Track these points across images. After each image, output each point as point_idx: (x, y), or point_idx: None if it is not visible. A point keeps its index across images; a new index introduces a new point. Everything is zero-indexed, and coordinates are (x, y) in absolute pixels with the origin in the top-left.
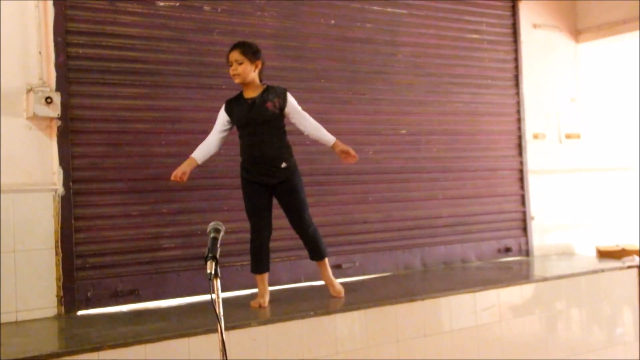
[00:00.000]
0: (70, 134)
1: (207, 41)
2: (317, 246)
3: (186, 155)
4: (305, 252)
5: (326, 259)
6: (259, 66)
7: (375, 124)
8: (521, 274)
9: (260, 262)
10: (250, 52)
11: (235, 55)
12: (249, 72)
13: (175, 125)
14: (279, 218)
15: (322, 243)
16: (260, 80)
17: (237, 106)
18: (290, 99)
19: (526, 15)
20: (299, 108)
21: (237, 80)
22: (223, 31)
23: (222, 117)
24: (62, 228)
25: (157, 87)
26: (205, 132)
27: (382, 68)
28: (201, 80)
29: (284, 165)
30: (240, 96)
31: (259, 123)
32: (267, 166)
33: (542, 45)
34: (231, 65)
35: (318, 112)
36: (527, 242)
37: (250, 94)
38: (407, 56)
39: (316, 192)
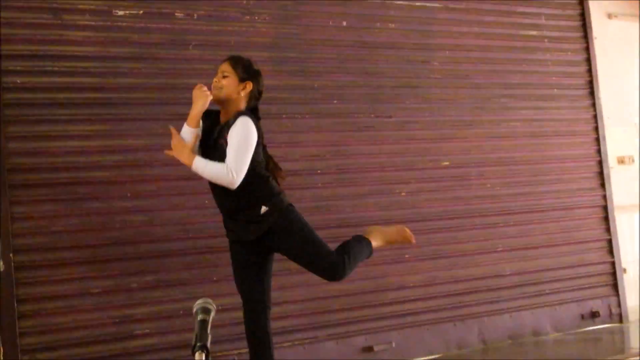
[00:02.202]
0: (8, 190)
1: (182, 58)
2: (358, 260)
3: (160, 210)
4: (324, 332)
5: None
6: (248, 89)
7: (408, 154)
8: (615, 348)
9: (255, 351)
10: (242, 67)
11: (224, 66)
12: (232, 90)
13: (144, 171)
14: (284, 275)
15: (362, 253)
16: (249, 110)
17: (208, 120)
18: (239, 123)
19: (598, 2)
20: (239, 140)
21: (212, 95)
22: (202, 43)
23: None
24: (1, 314)
25: (118, 122)
26: (186, 179)
27: (413, 80)
28: (176, 109)
29: (263, 209)
30: (218, 114)
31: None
32: (235, 218)
33: (620, 39)
34: (216, 76)
35: (331, 143)
36: (618, 304)
37: (223, 118)
38: (444, 63)
39: None
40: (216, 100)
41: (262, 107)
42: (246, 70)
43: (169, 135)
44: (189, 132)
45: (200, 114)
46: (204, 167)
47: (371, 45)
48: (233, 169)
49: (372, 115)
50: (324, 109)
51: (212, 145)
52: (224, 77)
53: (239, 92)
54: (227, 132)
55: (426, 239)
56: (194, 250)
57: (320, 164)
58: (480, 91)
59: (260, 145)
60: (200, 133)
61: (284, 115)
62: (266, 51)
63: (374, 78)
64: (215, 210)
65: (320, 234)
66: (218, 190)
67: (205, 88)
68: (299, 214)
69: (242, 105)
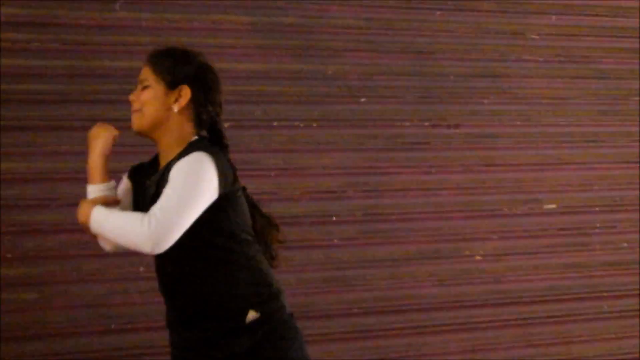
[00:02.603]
0: None
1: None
2: None
3: None
4: None
5: None
6: (185, 98)
7: (486, 191)
8: None
9: None
10: (169, 63)
11: (143, 71)
12: (159, 107)
13: None
14: None
15: None
16: (201, 130)
17: (140, 176)
18: (185, 159)
19: None
20: (180, 181)
21: (133, 125)
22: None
23: (122, 186)
24: None
25: None
26: None
27: (496, 66)
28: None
29: (250, 316)
30: (154, 160)
31: None
32: (192, 327)
33: None
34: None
35: (355, 169)
36: None
37: (164, 161)
38: (549, 37)
39: None
40: (141, 133)
41: (237, 111)
42: (176, 68)
43: None
44: (93, 192)
45: (102, 160)
46: (104, 219)
47: (421, 5)
48: (156, 220)
49: (426, 124)
50: (343, 112)
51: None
52: (144, 88)
53: (169, 108)
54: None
55: (521, 334)
56: None
57: (336, 206)
58: (611, 83)
59: (238, 194)
60: (120, 193)
61: (274, 123)
62: (243, 14)
63: (427, 60)
64: None
65: (340, 332)
66: (167, 276)
67: (106, 125)
68: (301, 339)
69: (188, 128)
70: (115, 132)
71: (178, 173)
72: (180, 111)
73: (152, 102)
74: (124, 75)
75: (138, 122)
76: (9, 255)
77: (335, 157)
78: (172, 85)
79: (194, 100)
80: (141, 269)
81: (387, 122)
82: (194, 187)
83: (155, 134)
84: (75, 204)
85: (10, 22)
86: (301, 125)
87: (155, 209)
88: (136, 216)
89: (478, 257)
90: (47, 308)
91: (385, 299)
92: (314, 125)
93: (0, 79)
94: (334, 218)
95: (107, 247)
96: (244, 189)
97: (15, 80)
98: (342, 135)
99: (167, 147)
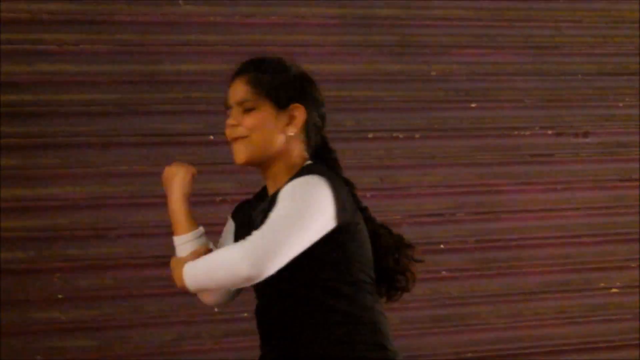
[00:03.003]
0: None
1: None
2: None
3: None
4: None
5: None
6: (300, 119)
7: (623, 208)
8: None
9: None
10: (276, 79)
11: (238, 88)
12: (270, 133)
13: None
14: None
15: None
16: (311, 155)
17: (242, 213)
18: (295, 182)
19: None
20: (286, 205)
21: (237, 157)
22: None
23: (226, 227)
24: None
25: None
26: None
27: (630, 62)
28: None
29: None
30: (261, 193)
31: None
32: None
33: None
34: (228, 114)
35: (470, 188)
36: None
37: (271, 185)
38: None
39: None
40: (248, 164)
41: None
42: (281, 83)
43: None
44: (183, 244)
45: (183, 204)
46: (196, 269)
47: None
48: (254, 241)
49: (550, 132)
50: (451, 120)
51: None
52: (246, 111)
53: (283, 132)
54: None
55: None
56: None
57: (444, 232)
58: None
59: (359, 226)
60: (223, 236)
61: (369, 134)
62: (330, 6)
63: (550, 57)
64: None
65: None
66: (265, 318)
67: (180, 163)
68: None
69: (300, 152)
70: (192, 170)
71: (286, 195)
72: (295, 137)
73: (262, 127)
74: (189, 82)
75: (246, 152)
76: (60, 296)
77: (442, 174)
78: (281, 104)
79: (307, 122)
80: (215, 309)
81: (502, 130)
82: (304, 210)
83: (264, 163)
84: (134, 234)
85: (55, 20)
86: (401, 136)
87: (256, 231)
88: (232, 245)
89: (615, 290)
90: (105, 357)
91: (504, 341)
92: (416, 136)
93: (41, 88)
94: (442, 246)
95: (210, 299)
96: (365, 209)
97: (62, 90)
98: (450, 148)
99: (277, 175)
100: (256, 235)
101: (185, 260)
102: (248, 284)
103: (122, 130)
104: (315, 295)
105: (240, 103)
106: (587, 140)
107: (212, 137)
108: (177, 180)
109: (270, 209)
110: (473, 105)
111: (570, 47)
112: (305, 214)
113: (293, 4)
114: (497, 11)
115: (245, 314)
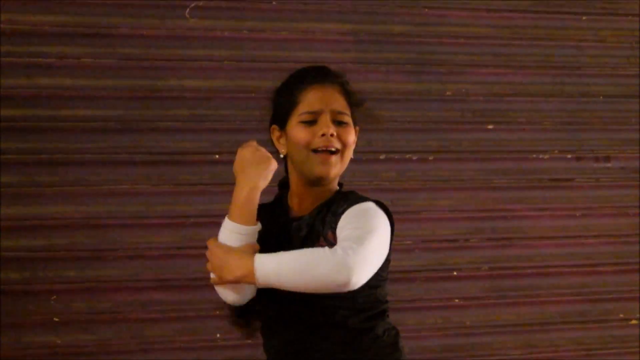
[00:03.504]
0: None
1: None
2: None
3: None
4: None
5: None
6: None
7: None
8: None
9: None
10: (356, 99)
11: (335, 96)
12: (350, 152)
13: None
14: None
15: None
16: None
17: (263, 231)
18: (362, 207)
19: None
20: (366, 223)
21: (330, 170)
22: (206, 6)
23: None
24: None
25: None
26: None
27: None
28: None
29: None
30: (278, 205)
31: (301, 295)
32: None
33: None
34: (316, 122)
35: (485, 212)
36: None
37: (300, 207)
38: None
39: None
40: (325, 181)
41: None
42: (359, 103)
43: None
44: (240, 234)
45: (256, 196)
46: (277, 266)
47: (563, 9)
48: (352, 248)
49: (569, 156)
50: (466, 142)
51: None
52: (339, 124)
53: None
54: (331, 227)
55: None
56: None
57: (457, 258)
58: None
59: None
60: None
61: (381, 155)
62: (342, 21)
63: (571, 77)
64: None
65: None
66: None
67: (265, 151)
68: None
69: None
70: (276, 165)
71: (360, 214)
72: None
73: (352, 145)
74: (194, 98)
75: (338, 167)
76: (56, 319)
77: (456, 197)
78: (354, 124)
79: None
80: (217, 335)
81: (520, 153)
82: (383, 230)
83: (325, 181)
84: (134, 256)
85: (56, 33)
86: (414, 157)
87: (345, 239)
88: (317, 249)
89: (634, 322)
90: None
91: None
92: (430, 158)
93: (41, 102)
94: (455, 272)
95: (230, 297)
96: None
97: (62, 105)
98: (465, 170)
99: (323, 193)
100: (350, 243)
101: (246, 251)
102: (340, 290)
103: (123, 148)
104: (373, 315)
105: (338, 113)
106: (608, 164)
107: (217, 156)
108: (262, 170)
109: (315, 225)
110: (490, 126)
111: (592, 68)
112: (382, 232)
113: (304, 19)
114: (517, 29)
115: (250, 341)
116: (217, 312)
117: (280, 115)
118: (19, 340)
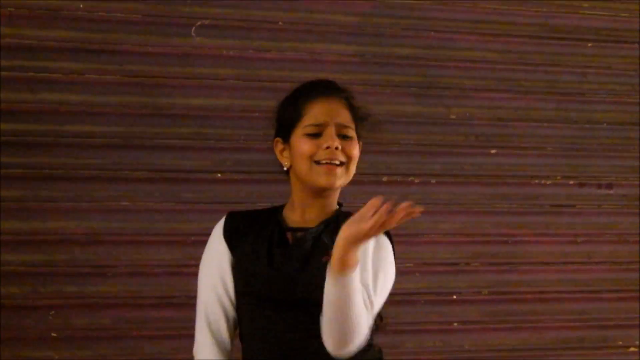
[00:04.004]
0: None
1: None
2: None
3: None
4: None
5: None
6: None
7: None
8: None
9: None
10: (361, 114)
11: (340, 109)
12: (355, 165)
13: None
14: None
15: None
16: None
17: (253, 237)
18: (384, 244)
19: None
20: (385, 267)
21: (333, 181)
22: (213, 24)
23: (216, 261)
24: None
25: None
26: None
27: None
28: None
29: None
30: (263, 216)
31: (302, 304)
32: None
33: None
34: (320, 135)
35: (486, 237)
36: None
37: (303, 218)
38: None
39: None
40: (326, 191)
41: None
42: (363, 119)
43: None
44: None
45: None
46: (355, 288)
47: (569, 35)
48: (372, 312)
49: (572, 182)
50: (469, 166)
51: (304, 273)
52: (343, 138)
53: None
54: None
55: None
56: None
57: (457, 282)
58: None
59: None
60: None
61: (384, 178)
62: (348, 42)
63: (575, 104)
64: None
65: None
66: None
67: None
68: None
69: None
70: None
71: (387, 255)
72: None
73: (356, 159)
74: (199, 116)
75: (342, 179)
76: (54, 335)
77: (458, 221)
78: (359, 139)
79: None
80: None
81: (523, 178)
82: (392, 269)
83: (333, 193)
84: (134, 273)
85: (61, 48)
86: (416, 180)
87: (373, 296)
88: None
89: (633, 349)
90: None
91: None
92: (432, 181)
93: (44, 118)
94: (455, 296)
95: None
96: None
97: (65, 120)
98: (467, 194)
99: (326, 207)
100: (376, 300)
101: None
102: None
103: (126, 165)
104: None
105: (342, 127)
106: (611, 192)
107: (219, 175)
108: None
109: (318, 241)
110: (493, 151)
111: (597, 95)
112: (393, 271)
113: (310, 40)
114: (522, 54)
115: None
116: None
117: (284, 127)
118: (17, 354)
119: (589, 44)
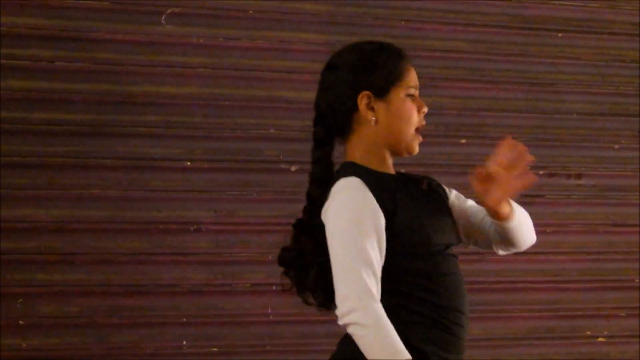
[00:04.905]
0: None
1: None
2: None
3: None
4: None
5: None
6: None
7: (614, 255)
8: None
9: None
10: None
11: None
12: None
13: None
14: None
15: None
16: None
17: (396, 192)
18: None
19: None
20: None
21: (418, 145)
22: (182, 12)
23: (371, 218)
24: None
25: None
26: None
27: (628, 103)
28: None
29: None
30: (376, 175)
31: (453, 240)
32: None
33: None
34: (413, 96)
35: None
36: None
37: (390, 169)
38: None
39: None
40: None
41: (304, 150)
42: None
43: None
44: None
45: None
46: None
47: (540, 25)
48: None
49: (541, 172)
50: (439, 156)
51: (450, 217)
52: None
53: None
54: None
55: None
56: None
57: None
58: None
59: None
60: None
61: None
62: (318, 31)
63: (545, 94)
64: None
65: None
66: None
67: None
68: None
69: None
70: None
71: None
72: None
73: None
74: (168, 104)
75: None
76: (21, 322)
77: None
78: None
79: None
80: (184, 342)
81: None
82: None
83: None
84: (102, 261)
85: (30, 35)
86: None
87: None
88: None
89: (601, 339)
90: None
91: None
92: (402, 170)
93: (12, 105)
94: None
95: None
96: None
97: (34, 108)
98: None
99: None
100: None
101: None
102: None
103: (95, 153)
104: None
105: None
106: (580, 182)
107: (188, 163)
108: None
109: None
110: (463, 141)
111: (567, 85)
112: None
113: (280, 28)
114: (493, 44)
115: (215, 349)
116: (184, 320)
117: (380, 82)
118: None
119: (559, 34)
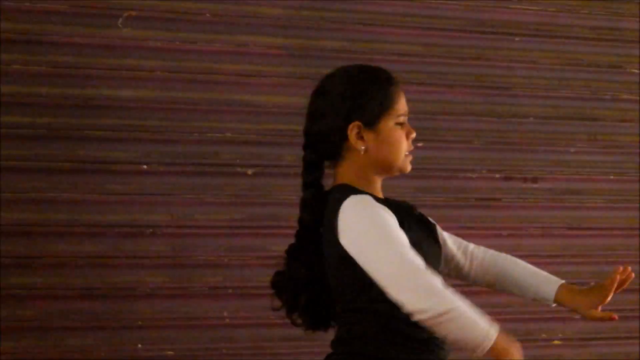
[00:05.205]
0: None
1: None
2: None
3: None
4: None
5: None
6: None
7: (569, 257)
8: None
9: None
10: None
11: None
12: None
13: None
14: None
15: None
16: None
17: (396, 213)
18: None
19: None
20: None
21: (409, 166)
22: (142, 16)
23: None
24: None
25: None
26: None
27: (583, 107)
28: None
29: None
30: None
31: (438, 267)
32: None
33: None
34: (402, 124)
35: None
36: None
37: (381, 195)
38: None
39: None
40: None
41: (263, 154)
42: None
43: None
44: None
45: None
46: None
47: (496, 30)
48: None
49: (497, 175)
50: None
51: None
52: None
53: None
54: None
55: None
56: None
57: None
58: None
59: None
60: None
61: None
62: (276, 35)
63: (501, 97)
64: None
65: None
66: None
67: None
68: None
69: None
70: None
71: None
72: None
73: None
74: (125, 108)
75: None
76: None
77: None
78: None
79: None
80: (139, 345)
81: (449, 172)
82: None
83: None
84: (58, 264)
85: None
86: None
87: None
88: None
89: (557, 342)
90: None
91: None
92: None
93: None
94: None
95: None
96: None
97: None
98: (393, 187)
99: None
100: None
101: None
102: None
103: (52, 156)
104: None
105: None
106: (536, 185)
107: (145, 167)
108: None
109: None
110: (419, 144)
111: (523, 89)
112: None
113: (237, 32)
114: (449, 48)
115: (171, 352)
116: (140, 323)
117: (370, 113)
118: None
119: (516, 38)
